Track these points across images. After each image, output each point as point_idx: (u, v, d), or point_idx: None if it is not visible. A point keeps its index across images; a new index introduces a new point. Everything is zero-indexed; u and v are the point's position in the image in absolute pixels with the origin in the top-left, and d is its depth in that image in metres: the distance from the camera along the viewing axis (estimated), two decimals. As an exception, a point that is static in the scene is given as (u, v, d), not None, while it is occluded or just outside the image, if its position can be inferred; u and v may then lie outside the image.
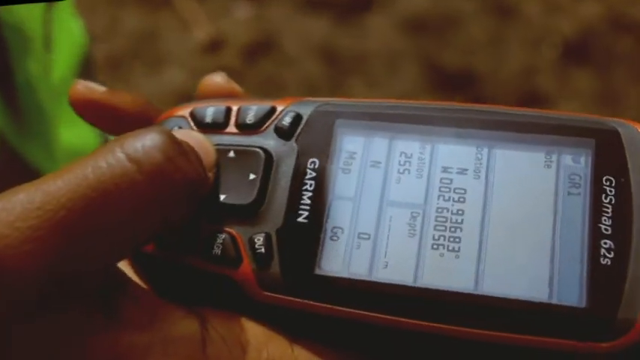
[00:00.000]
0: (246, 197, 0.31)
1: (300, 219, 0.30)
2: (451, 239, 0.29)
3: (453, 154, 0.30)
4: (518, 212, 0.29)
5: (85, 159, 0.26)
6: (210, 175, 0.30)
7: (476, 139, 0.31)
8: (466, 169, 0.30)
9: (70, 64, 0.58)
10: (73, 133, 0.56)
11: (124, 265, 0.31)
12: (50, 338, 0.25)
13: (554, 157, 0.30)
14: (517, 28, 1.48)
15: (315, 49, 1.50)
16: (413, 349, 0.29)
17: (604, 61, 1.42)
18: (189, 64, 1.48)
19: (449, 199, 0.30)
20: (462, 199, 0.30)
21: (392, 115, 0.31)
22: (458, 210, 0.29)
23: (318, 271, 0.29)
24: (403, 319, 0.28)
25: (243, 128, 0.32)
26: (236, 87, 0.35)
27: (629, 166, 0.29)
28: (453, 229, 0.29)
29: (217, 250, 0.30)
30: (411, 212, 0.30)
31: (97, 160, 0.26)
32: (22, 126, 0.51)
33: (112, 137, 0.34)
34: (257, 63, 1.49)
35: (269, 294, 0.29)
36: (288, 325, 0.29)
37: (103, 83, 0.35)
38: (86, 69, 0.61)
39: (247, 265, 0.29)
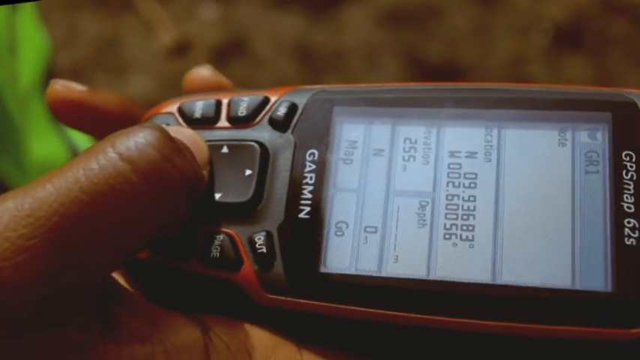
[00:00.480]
0: (242, 195, 0.30)
1: (301, 215, 0.30)
2: (464, 228, 0.29)
3: (461, 137, 0.30)
4: (534, 195, 0.29)
5: (74, 161, 0.26)
6: (205, 173, 0.30)
7: (484, 120, 0.30)
8: (475, 153, 0.30)
9: (35, 70, 0.58)
10: (44, 145, 0.56)
11: (114, 274, 0.30)
12: (47, 355, 0.24)
13: (568, 135, 0.30)
14: (503, 15, 1.49)
15: (288, 48, 1.50)
16: (428, 348, 0.29)
17: (598, 45, 1.42)
18: (155, 69, 1.47)
19: (459, 185, 0.30)
20: (472, 185, 0.30)
21: (393, 100, 0.31)
22: (469, 196, 0.29)
23: (323, 270, 0.29)
24: (418, 316, 0.28)
25: (236, 122, 0.32)
26: (224, 79, 0.35)
27: None
28: (465, 217, 0.29)
29: (215, 253, 0.30)
30: (420, 201, 0.30)
31: (88, 161, 0.25)
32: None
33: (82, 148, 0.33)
34: (227, 65, 1.48)
35: (273, 296, 0.29)
36: (294, 328, 0.29)
37: None
38: (52, 77, 0.60)
39: (248, 267, 0.29)
